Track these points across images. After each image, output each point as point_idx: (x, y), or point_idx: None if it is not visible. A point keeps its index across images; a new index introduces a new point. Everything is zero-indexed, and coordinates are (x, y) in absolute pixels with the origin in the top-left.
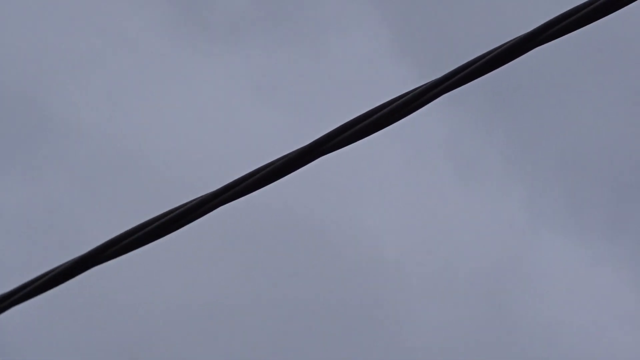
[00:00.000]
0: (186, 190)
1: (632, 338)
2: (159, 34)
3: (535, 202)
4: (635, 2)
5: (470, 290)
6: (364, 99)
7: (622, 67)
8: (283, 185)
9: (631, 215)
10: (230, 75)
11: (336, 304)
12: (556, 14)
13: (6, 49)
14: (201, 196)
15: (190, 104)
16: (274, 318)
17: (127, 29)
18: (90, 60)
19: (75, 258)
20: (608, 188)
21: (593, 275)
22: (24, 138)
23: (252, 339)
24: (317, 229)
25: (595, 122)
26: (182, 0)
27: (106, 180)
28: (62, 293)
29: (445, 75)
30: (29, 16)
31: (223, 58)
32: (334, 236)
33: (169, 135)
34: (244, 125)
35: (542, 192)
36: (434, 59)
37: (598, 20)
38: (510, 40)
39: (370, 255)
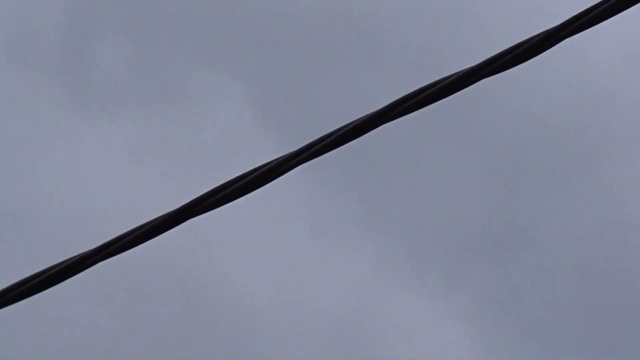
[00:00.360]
0: (67, 248)
1: None
2: (44, 102)
3: (384, 260)
4: (463, 89)
5: (326, 340)
6: (233, 165)
7: (461, 142)
8: (158, 244)
9: (468, 273)
10: (108, 142)
11: (209, 353)
12: (403, 94)
13: None
14: (81, 253)
15: (71, 169)
16: None
17: (15, 97)
18: None
19: None
20: (447, 249)
21: (434, 328)
22: None
23: None
24: (190, 283)
25: (436, 190)
26: (66, 73)
27: None
28: None
29: (304, 147)
30: None
31: (102, 126)
32: (205, 290)
33: (52, 197)
34: (121, 188)
35: (389, 251)
36: (295, 130)
37: (441, 100)
38: (361, 118)
39: (238, 307)
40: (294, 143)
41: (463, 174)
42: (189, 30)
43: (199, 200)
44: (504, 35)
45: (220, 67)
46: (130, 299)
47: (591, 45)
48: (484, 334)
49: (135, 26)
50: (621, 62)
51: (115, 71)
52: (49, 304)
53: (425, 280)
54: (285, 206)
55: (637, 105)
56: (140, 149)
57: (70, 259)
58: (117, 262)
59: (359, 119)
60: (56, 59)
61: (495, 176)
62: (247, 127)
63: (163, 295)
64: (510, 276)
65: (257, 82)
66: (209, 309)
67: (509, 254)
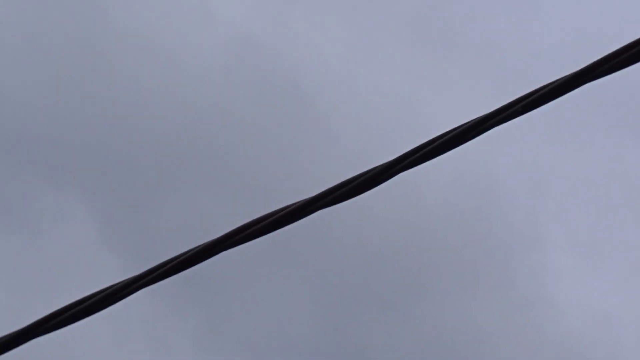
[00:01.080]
0: None
1: None
2: None
3: None
4: (302, 218)
5: None
6: (78, 286)
7: (299, 267)
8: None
9: None
10: None
11: None
12: (244, 221)
13: None
14: None
15: None
16: None
17: None
18: None
19: None
20: None
21: None
22: None
23: None
24: None
25: (274, 311)
26: None
27: None
28: None
29: (149, 270)
30: None
31: None
32: None
33: None
34: None
35: None
36: (139, 251)
37: (284, 227)
38: (204, 243)
39: None
40: (138, 264)
41: (300, 297)
42: (36, 151)
43: (46, 320)
44: (344, 166)
45: (66, 189)
46: None
47: (425, 179)
48: None
49: None
50: (455, 195)
51: None
52: None
53: None
54: (128, 327)
55: (466, 232)
56: None
57: None
58: None
59: (202, 244)
60: None
61: (331, 299)
62: (92, 248)
63: None
64: None
65: (102, 204)
66: None
67: None
